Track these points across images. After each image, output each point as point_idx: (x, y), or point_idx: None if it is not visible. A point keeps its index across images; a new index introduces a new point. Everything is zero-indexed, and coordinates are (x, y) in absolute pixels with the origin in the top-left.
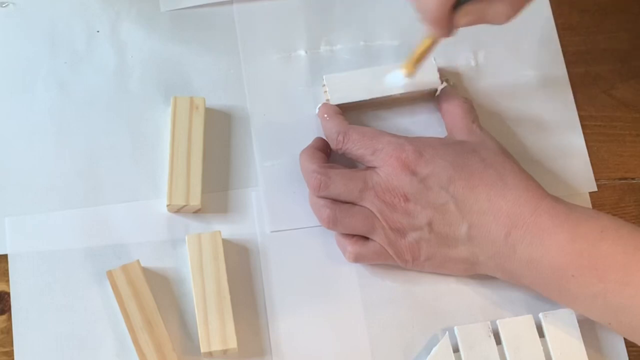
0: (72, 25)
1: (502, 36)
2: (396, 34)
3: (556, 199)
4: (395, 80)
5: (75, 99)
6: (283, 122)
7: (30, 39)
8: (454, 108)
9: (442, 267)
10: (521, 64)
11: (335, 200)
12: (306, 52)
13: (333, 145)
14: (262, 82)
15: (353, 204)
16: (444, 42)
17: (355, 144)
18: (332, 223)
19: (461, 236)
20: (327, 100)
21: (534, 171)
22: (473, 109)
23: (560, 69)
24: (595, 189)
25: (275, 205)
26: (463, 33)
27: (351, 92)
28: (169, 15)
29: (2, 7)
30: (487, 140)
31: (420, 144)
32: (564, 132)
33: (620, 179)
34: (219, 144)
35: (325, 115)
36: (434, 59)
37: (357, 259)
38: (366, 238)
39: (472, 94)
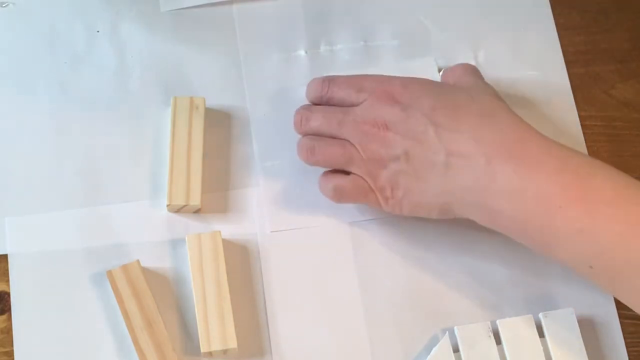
0: (72, 25)
1: (502, 36)
2: (396, 33)
3: (544, 135)
4: None
5: (75, 98)
6: (283, 122)
7: (30, 39)
8: (453, 70)
9: (419, 205)
10: (521, 64)
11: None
12: (306, 52)
13: (318, 92)
14: (262, 82)
15: (333, 137)
16: (443, 45)
17: (340, 86)
18: (310, 153)
19: (438, 165)
20: None
21: None
22: (476, 70)
23: (560, 69)
24: None
25: (276, 205)
26: (463, 33)
27: None
28: (169, 15)
29: (2, 7)
30: (482, 86)
31: (407, 79)
32: (564, 132)
33: None
34: (218, 144)
35: (310, 80)
36: (435, 60)
37: (337, 192)
38: (347, 173)
39: None
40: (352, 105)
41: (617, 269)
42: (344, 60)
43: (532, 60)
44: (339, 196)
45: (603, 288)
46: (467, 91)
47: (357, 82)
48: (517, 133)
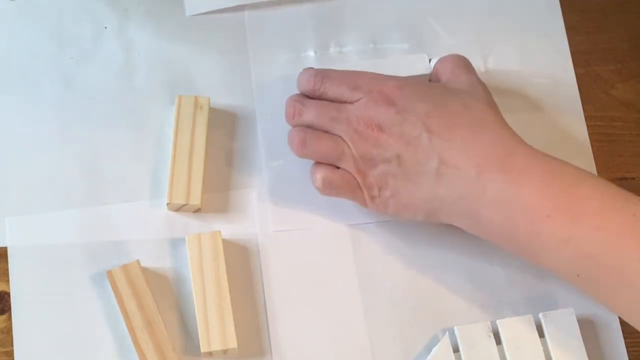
0: (80, 20)
1: (511, 41)
2: (405, 36)
3: (532, 147)
4: None
5: (80, 95)
6: None
7: (37, 33)
8: (444, 63)
9: (405, 207)
10: (530, 69)
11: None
12: (315, 53)
13: (310, 87)
14: (270, 82)
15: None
16: (452, 49)
17: (334, 83)
18: (301, 146)
19: (429, 173)
20: None
21: None
22: (468, 63)
23: (569, 75)
24: None
25: (280, 205)
26: (473, 37)
27: None
28: (177, 15)
29: (10, 0)
30: (476, 90)
31: (403, 80)
32: (571, 136)
33: (620, 179)
34: (222, 144)
35: (302, 71)
36: (429, 60)
37: (325, 184)
38: (338, 167)
39: None
40: (346, 102)
41: (603, 277)
42: (353, 61)
43: (541, 65)
44: (327, 188)
45: (591, 296)
46: (461, 97)
47: (352, 79)
48: (506, 145)
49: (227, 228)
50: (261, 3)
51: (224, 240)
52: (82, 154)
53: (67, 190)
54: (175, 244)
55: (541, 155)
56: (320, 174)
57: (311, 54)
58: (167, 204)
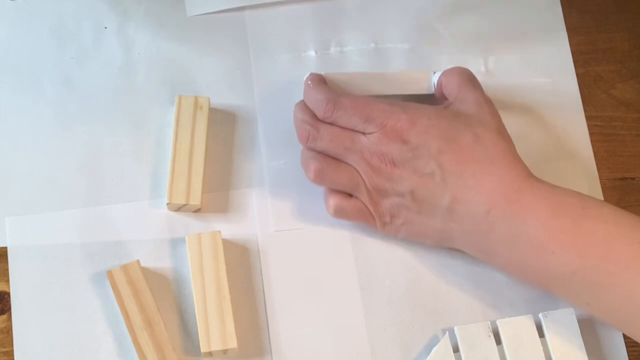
0: (80, 20)
1: (512, 42)
2: (407, 37)
3: (540, 180)
4: None
5: (80, 94)
6: (291, 122)
7: (38, 33)
8: (450, 77)
9: (417, 234)
10: (531, 70)
11: (325, 155)
12: (316, 53)
13: (320, 114)
14: (271, 82)
15: (340, 160)
16: (453, 49)
17: (346, 113)
18: (319, 176)
19: (441, 208)
20: None
21: (538, 172)
22: (473, 77)
23: (570, 75)
24: (600, 190)
25: (280, 205)
26: (474, 38)
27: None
28: (177, 14)
29: (10, 0)
30: (485, 115)
31: (415, 113)
32: (570, 135)
33: (620, 179)
34: (222, 144)
35: (310, 82)
36: (433, 72)
37: (337, 212)
38: (350, 195)
39: None
40: (358, 132)
41: (613, 305)
42: (354, 61)
43: (542, 66)
44: (339, 215)
45: (603, 321)
46: (472, 128)
47: (364, 110)
48: (514, 182)
49: (227, 228)
50: (261, 3)
51: (224, 240)
52: (82, 154)
53: (67, 190)
54: (175, 244)
55: (547, 188)
56: (333, 201)
57: (312, 53)
58: (167, 204)
